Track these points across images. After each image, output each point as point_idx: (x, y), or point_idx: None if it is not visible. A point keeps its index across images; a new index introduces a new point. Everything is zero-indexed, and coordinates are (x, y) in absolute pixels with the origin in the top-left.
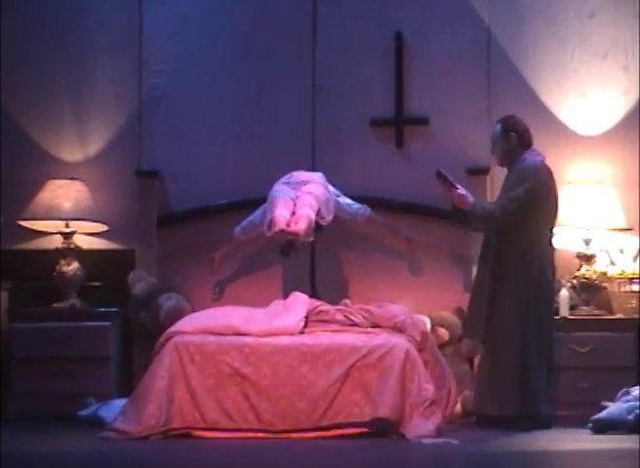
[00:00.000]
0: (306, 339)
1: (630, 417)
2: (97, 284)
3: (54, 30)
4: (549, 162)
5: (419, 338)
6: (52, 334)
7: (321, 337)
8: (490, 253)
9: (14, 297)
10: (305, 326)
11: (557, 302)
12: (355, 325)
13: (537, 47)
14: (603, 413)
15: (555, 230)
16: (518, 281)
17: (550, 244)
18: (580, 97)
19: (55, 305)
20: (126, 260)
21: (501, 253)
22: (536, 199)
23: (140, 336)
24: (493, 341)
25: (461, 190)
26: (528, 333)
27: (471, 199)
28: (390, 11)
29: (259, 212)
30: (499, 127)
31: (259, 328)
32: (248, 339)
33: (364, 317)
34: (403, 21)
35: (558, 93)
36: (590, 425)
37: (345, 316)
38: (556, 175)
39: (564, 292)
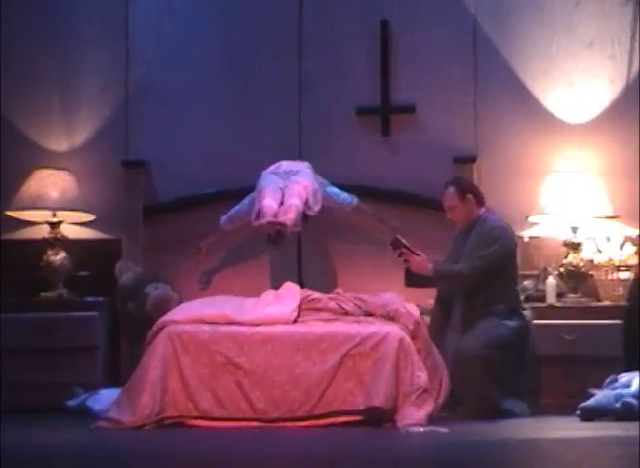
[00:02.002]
0: (300, 328)
1: (618, 405)
2: (84, 273)
3: (40, 22)
4: (536, 151)
5: (411, 327)
6: (39, 325)
7: (314, 326)
8: (447, 308)
9: (0, 288)
10: (298, 314)
11: (544, 291)
12: (348, 313)
13: (523, 36)
14: (591, 401)
15: (534, 223)
16: (485, 333)
17: (518, 298)
18: (567, 85)
19: (42, 295)
20: (113, 250)
21: (468, 309)
22: (505, 260)
23: (128, 326)
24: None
25: (421, 255)
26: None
27: (430, 264)
28: None
29: (245, 201)
30: (452, 190)
31: (251, 316)
32: (241, 328)
33: (357, 305)
34: (389, 10)
35: (545, 81)
36: (578, 413)
37: (338, 304)
38: (544, 164)
39: (551, 280)
